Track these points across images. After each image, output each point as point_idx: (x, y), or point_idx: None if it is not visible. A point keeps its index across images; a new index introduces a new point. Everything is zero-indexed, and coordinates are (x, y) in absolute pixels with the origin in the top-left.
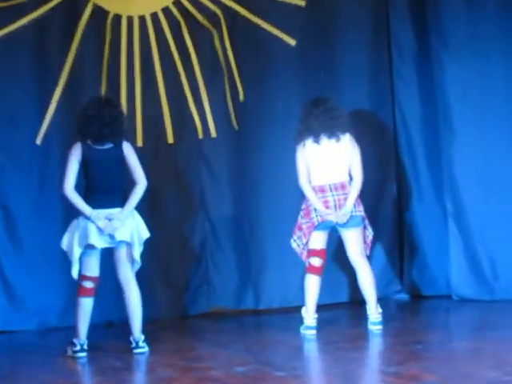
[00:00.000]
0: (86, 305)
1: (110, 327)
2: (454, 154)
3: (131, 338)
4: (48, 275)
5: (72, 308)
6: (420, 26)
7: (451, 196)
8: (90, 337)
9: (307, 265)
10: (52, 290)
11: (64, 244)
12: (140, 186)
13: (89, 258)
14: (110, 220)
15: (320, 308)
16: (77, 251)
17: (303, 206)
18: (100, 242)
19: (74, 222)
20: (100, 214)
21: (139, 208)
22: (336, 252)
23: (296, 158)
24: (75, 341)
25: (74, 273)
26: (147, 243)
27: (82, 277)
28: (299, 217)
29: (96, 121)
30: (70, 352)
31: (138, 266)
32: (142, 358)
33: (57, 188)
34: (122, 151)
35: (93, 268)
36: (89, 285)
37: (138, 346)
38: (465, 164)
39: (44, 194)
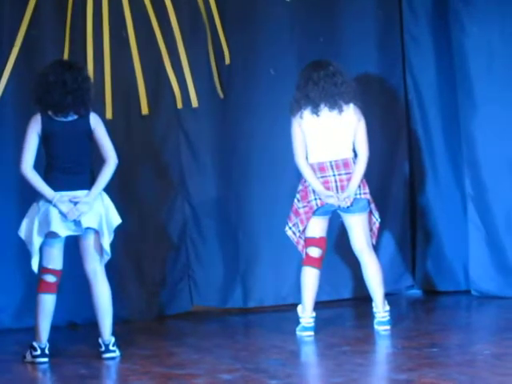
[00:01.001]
0: (48, 302)
1: (74, 329)
2: (475, 129)
3: (100, 341)
4: (0, 269)
5: (29, 307)
6: None
7: (471, 177)
8: (51, 340)
9: (304, 256)
10: (5, 286)
11: (22, 232)
12: (110, 164)
13: (50, 249)
14: (75, 204)
15: (319, 306)
16: (37, 240)
17: (300, 188)
18: (63, 230)
19: (34, 207)
20: (63, 197)
21: (109, 190)
22: (337, 241)
23: (292, 131)
24: (35, 344)
25: (34, 265)
26: (118, 231)
27: (42, 270)
28: (295, 200)
29: (57, 88)
30: (28, 357)
31: (107, 257)
32: (112, 364)
33: (11, 167)
34: (88, 124)
35: (55, 260)
36: (50, 279)
37: (107, 350)
38: (487, 141)
39: None
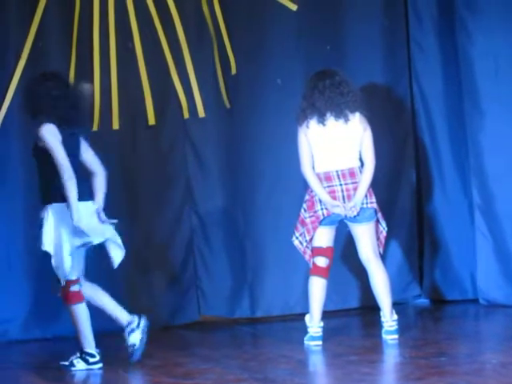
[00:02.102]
0: (85, 310)
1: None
2: (482, 138)
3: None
4: (8, 280)
5: (37, 318)
6: None
7: (478, 186)
8: (59, 350)
9: (311, 265)
10: (13, 297)
11: (47, 244)
12: (103, 175)
13: (77, 258)
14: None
15: (326, 315)
16: (67, 250)
17: (306, 197)
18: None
19: (52, 219)
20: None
21: (116, 200)
22: (344, 250)
23: (298, 140)
24: (90, 351)
25: (63, 277)
26: (126, 241)
27: (68, 282)
28: (302, 210)
29: (64, 102)
30: (81, 365)
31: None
32: (120, 374)
33: (19, 182)
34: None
35: (79, 269)
36: (77, 288)
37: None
38: (495, 150)
39: (4, 188)
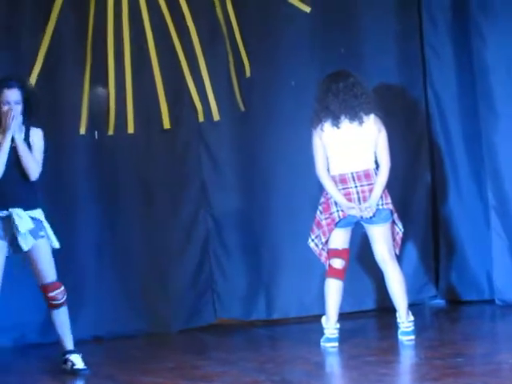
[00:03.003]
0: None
1: (99, 343)
2: (497, 139)
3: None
4: (25, 285)
5: (52, 323)
6: None
7: (494, 187)
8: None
9: (327, 267)
10: (31, 302)
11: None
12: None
13: None
14: None
15: (342, 317)
16: None
17: (322, 200)
18: None
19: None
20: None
21: (132, 204)
22: (360, 252)
23: (313, 143)
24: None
25: None
26: (141, 245)
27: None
28: (317, 212)
29: None
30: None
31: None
32: (136, 378)
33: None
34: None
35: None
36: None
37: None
38: (510, 152)
39: None
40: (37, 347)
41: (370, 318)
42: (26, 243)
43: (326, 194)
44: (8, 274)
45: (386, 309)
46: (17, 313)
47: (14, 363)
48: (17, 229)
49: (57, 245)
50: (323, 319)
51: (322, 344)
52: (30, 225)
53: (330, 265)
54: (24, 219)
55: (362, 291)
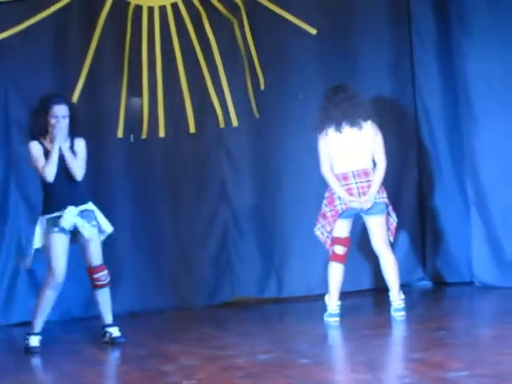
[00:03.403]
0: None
1: (134, 317)
2: (476, 143)
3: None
4: (73, 266)
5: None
6: (441, 11)
7: (473, 184)
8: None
9: (331, 253)
10: (76, 280)
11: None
12: None
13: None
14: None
15: (343, 295)
16: None
17: (327, 194)
18: None
19: None
20: None
21: (160, 198)
22: (359, 239)
23: (318, 146)
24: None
25: None
26: (169, 233)
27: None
28: (323, 205)
29: None
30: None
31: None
32: (165, 346)
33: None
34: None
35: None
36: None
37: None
38: (487, 153)
39: None
40: (80, 321)
41: (367, 297)
42: (87, 232)
43: (330, 189)
44: None
45: (381, 289)
46: (62, 291)
47: (60, 335)
48: (64, 224)
49: (110, 228)
50: (326, 297)
51: (325, 319)
52: (70, 223)
53: (333, 251)
54: (70, 216)
55: (360, 273)
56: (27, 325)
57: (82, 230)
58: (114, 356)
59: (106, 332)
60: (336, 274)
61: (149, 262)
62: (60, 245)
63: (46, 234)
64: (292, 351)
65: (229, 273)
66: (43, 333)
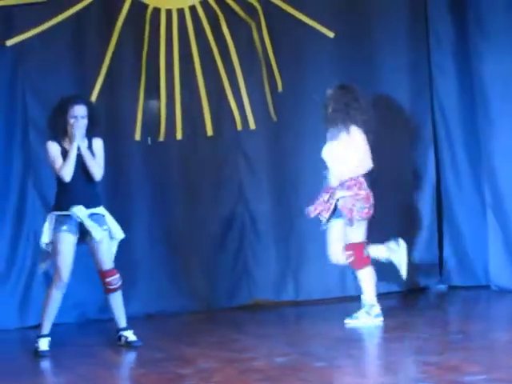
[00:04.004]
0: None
1: (150, 320)
2: (493, 145)
3: None
4: (88, 268)
5: None
6: (458, 13)
7: (490, 187)
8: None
9: (364, 258)
10: (91, 282)
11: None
12: None
13: None
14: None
15: (354, 299)
16: None
17: (361, 192)
18: None
19: None
20: None
21: (178, 200)
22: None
23: (357, 141)
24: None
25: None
26: (187, 235)
27: None
28: (348, 198)
29: None
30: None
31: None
32: (182, 349)
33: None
34: None
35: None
36: None
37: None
38: (504, 156)
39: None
40: (95, 323)
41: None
42: (98, 234)
43: (360, 185)
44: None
45: (390, 293)
46: (79, 294)
47: (76, 337)
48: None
49: (122, 235)
50: (369, 299)
51: (372, 319)
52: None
53: (368, 255)
54: (80, 211)
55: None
56: (38, 327)
57: (92, 231)
58: (130, 359)
59: (121, 336)
60: (374, 276)
61: (166, 264)
62: (67, 244)
63: (54, 232)
64: (309, 354)
65: (246, 276)
66: (58, 335)
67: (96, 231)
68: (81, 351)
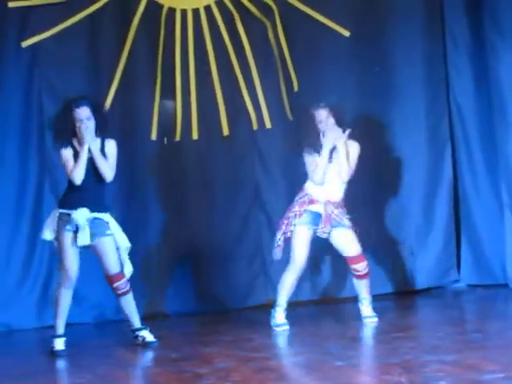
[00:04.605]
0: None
1: (167, 320)
2: (510, 146)
3: None
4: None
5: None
6: (474, 13)
7: (507, 187)
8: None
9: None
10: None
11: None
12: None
13: None
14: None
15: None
16: None
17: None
18: None
19: None
20: None
21: (194, 200)
22: (380, 244)
23: (357, 153)
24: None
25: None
26: (203, 235)
27: None
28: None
29: None
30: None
31: None
32: (199, 349)
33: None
34: None
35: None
36: None
37: None
38: None
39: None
40: (113, 323)
41: (391, 300)
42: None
43: None
44: (89, 263)
45: (402, 292)
46: (97, 295)
47: (94, 338)
48: (75, 216)
49: (127, 244)
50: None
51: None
52: (80, 220)
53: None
54: (81, 215)
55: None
56: None
57: (79, 235)
58: (148, 358)
59: (137, 336)
60: None
61: (182, 265)
62: (72, 244)
63: (59, 231)
64: (326, 353)
65: (263, 275)
66: (76, 335)
67: (81, 236)
68: (99, 351)
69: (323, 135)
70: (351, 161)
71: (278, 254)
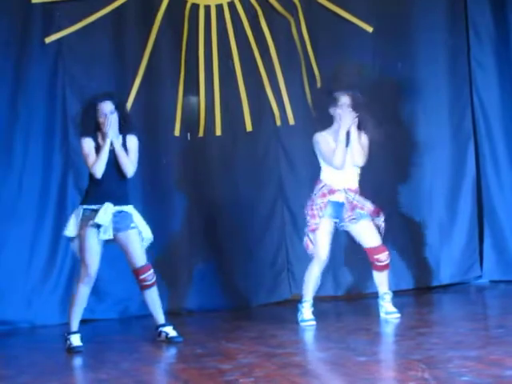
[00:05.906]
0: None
1: (191, 316)
2: None
3: None
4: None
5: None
6: (498, 8)
7: None
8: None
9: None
10: (134, 280)
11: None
12: None
13: None
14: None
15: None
16: None
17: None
18: None
19: None
20: None
21: (219, 196)
22: (401, 241)
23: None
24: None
25: None
26: (226, 232)
27: None
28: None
29: None
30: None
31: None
32: (223, 344)
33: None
34: None
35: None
36: None
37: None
38: None
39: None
40: (138, 319)
41: (411, 296)
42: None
43: None
44: (114, 258)
45: (421, 288)
46: (121, 290)
47: (119, 333)
48: (98, 220)
49: (150, 235)
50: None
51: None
52: (103, 220)
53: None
54: (107, 214)
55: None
56: (83, 323)
57: (101, 229)
58: (172, 354)
59: (161, 332)
60: None
61: (206, 260)
62: (94, 240)
63: (81, 226)
64: (349, 349)
65: (286, 271)
66: (101, 331)
67: (105, 231)
68: (123, 347)
69: (340, 118)
70: (364, 147)
71: (310, 246)
